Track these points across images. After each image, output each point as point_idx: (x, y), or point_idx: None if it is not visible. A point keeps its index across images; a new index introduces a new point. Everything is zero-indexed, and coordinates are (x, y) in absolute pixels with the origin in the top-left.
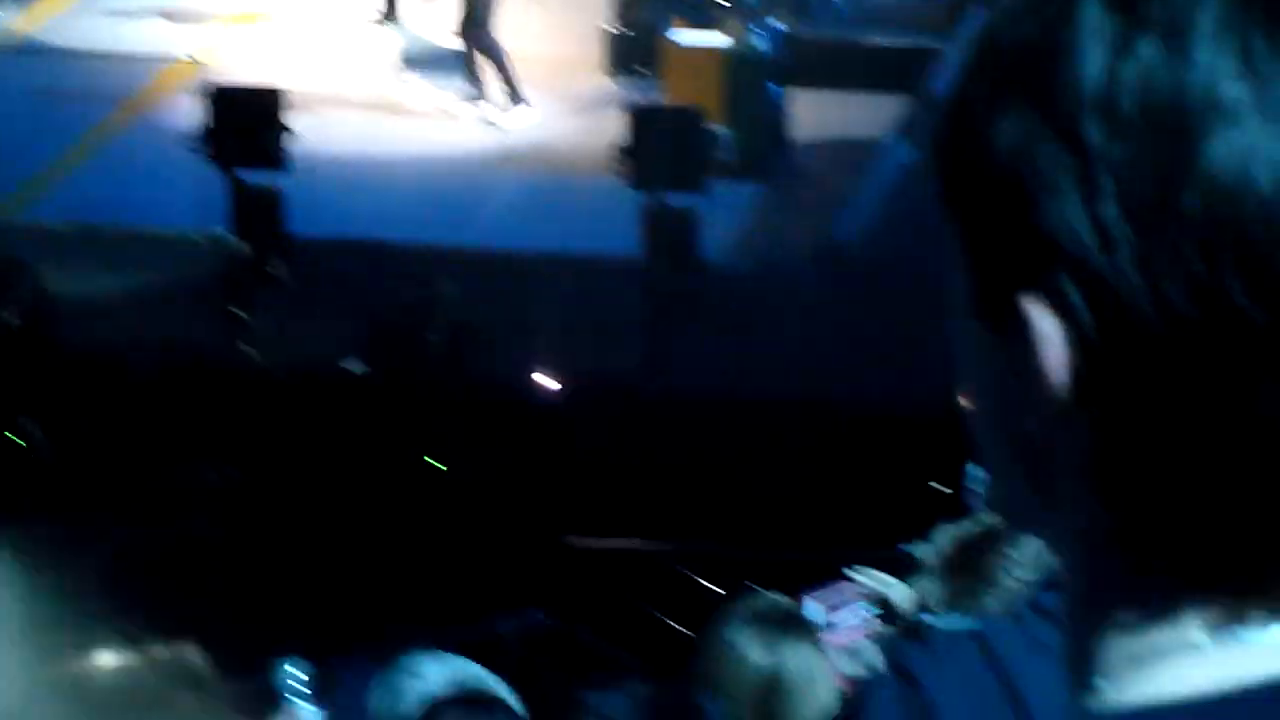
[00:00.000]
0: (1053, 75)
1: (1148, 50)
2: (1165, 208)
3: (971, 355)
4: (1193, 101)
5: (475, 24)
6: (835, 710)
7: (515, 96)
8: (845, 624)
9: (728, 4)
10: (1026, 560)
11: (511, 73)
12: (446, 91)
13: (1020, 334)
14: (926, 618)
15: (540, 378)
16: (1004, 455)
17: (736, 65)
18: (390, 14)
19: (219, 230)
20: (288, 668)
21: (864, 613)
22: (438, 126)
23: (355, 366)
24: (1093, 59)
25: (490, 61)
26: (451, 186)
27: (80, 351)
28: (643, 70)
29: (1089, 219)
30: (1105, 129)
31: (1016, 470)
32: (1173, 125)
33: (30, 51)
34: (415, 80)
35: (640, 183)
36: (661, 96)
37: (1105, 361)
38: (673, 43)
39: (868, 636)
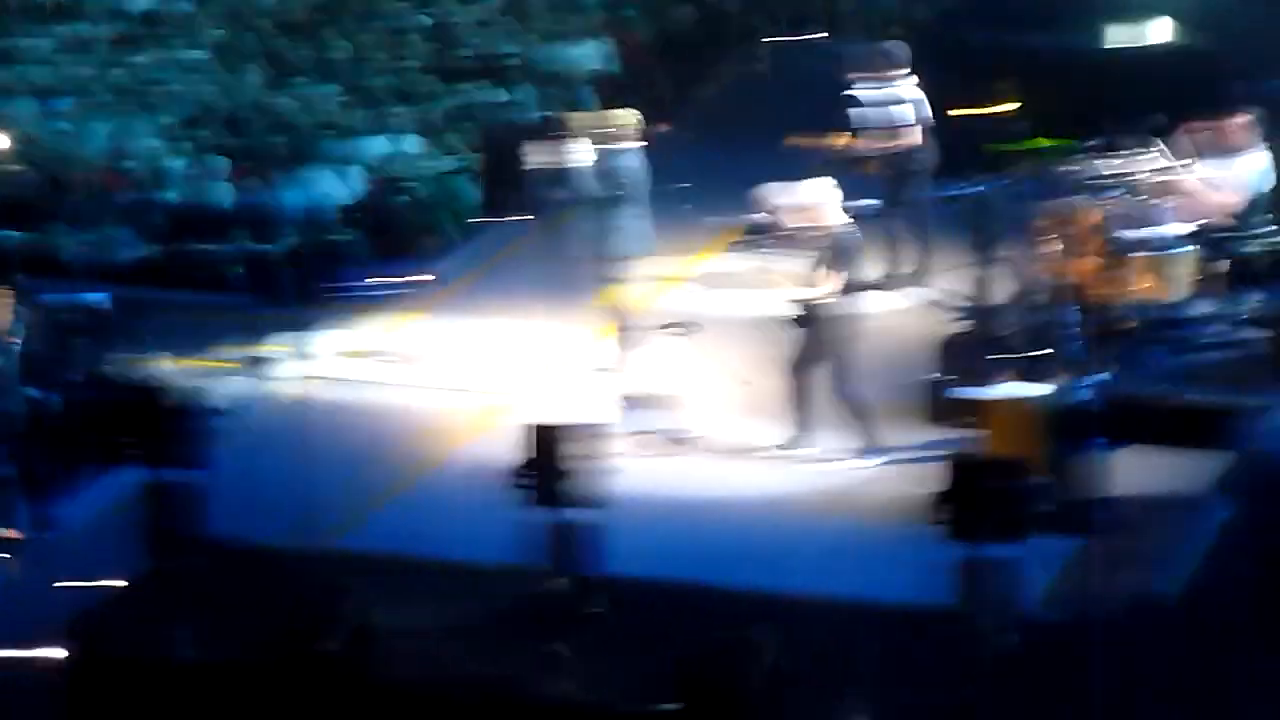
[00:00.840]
0: None
1: None
2: None
3: None
4: None
5: (841, 380)
6: None
7: (868, 448)
8: None
9: (1050, 357)
10: None
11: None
12: (768, 434)
13: None
14: None
15: None
16: None
17: (1058, 418)
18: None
19: (535, 564)
20: None
21: None
22: (755, 468)
23: None
24: None
25: (856, 417)
26: (770, 531)
27: (398, 682)
28: (965, 420)
29: None
30: None
31: None
32: None
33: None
34: (730, 421)
35: (958, 533)
36: (982, 447)
37: None
38: (996, 394)
39: None
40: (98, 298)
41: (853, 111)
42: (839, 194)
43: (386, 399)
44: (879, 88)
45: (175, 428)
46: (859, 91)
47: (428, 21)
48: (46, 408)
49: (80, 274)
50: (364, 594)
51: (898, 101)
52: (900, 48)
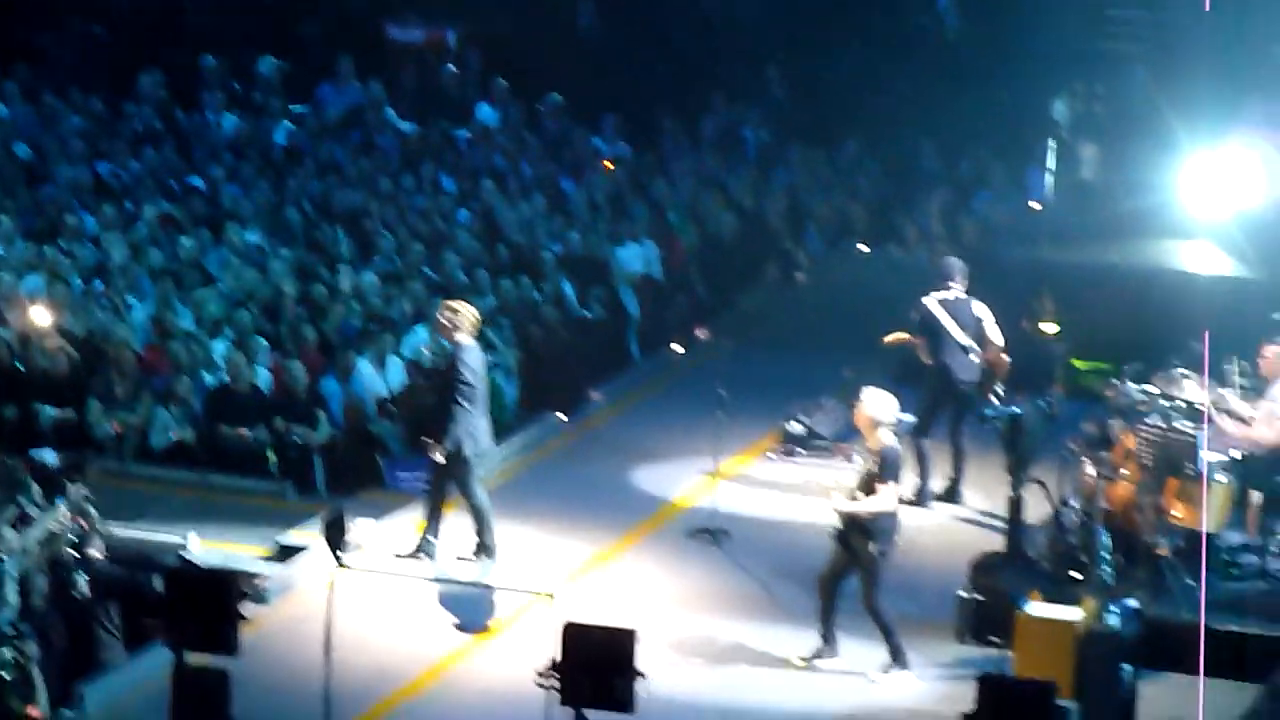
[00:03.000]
0: None
1: None
2: None
3: None
4: None
5: (871, 593)
6: None
7: (897, 661)
8: None
9: (1083, 579)
10: None
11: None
12: (796, 644)
13: None
14: None
15: None
16: None
17: (1089, 641)
18: None
19: None
20: None
21: None
22: (787, 678)
23: None
24: None
25: (885, 632)
26: None
27: None
28: (997, 639)
29: None
30: None
31: None
32: None
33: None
34: (757, 630)
35: None
36: (1012, 667)
37: None
38: (1027, 614)
39: None
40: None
41: (918, 319)
42: (893, 407)
43: (419, 590)
44: (942, 301)
45: (205, 611)
46: (927, 301)
47: (470, 216)
48: (73, 584)
49: (115, 452)
50: None
51: (959, 315)
52: (959, 264)
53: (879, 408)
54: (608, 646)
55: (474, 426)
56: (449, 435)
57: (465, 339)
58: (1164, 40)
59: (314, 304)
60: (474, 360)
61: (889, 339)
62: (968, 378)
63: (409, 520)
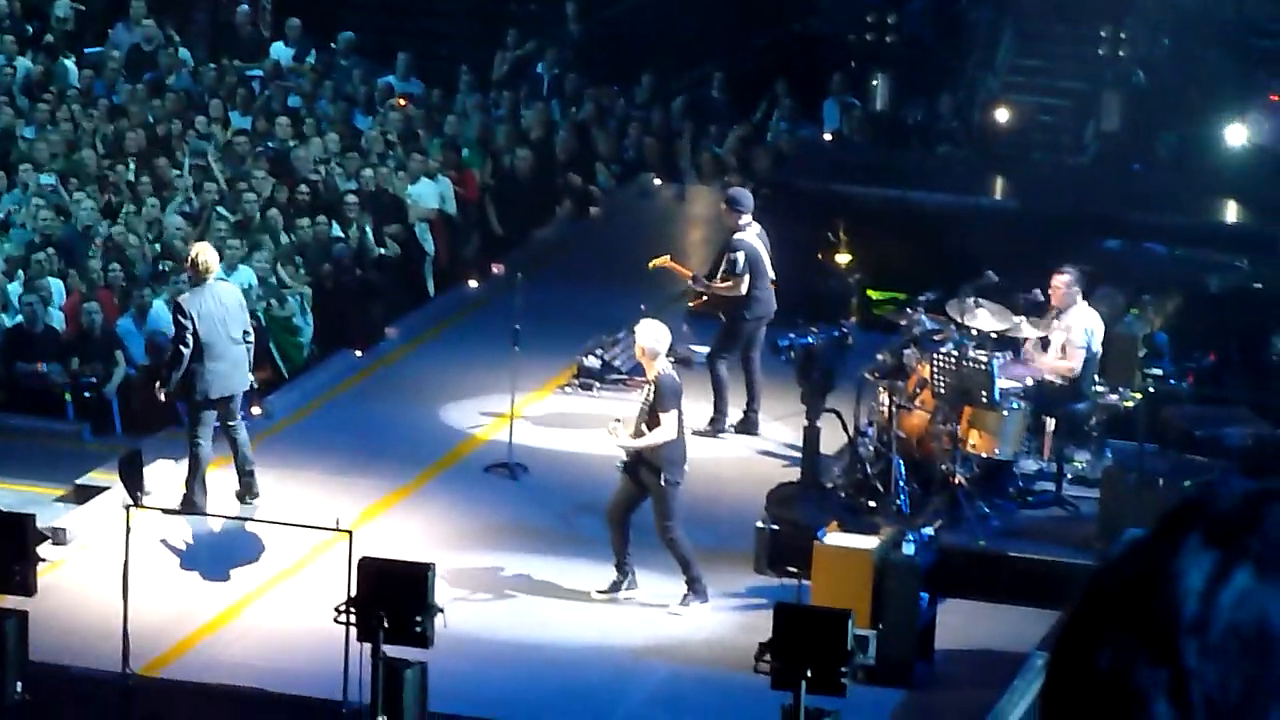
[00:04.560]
0: (1154, 602)
1: (1243, 578)
2: None
3: None
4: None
5: (666, 524)
6: None
7: (695, 592)
8: None
9: (879, 508)
10: None
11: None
12: (593, 577)
13: None
14: None
15: None
16: None
17: (885, 570)
18: None
19: (360, 703)
20: None
21: None
22: (585, 611)
23: None
24: (1192, 586)
25: (681, 562)
26: (594, 676)
27: None
28: (793, 569)
29: None
30: (1199, 650)
31: None
32: (1259, 646)
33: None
34: (556, 563)
35: (781, 682)
36: (811, 597)
37: None
38: (824, 544)
39: None
40: None
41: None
42: (667, 338)
43: (214, 528)
44: (731, 231)
45: (2, 553)
46: (746, 236)
47: (267, 156)
48: None
49: None
50: None
51: (743, 246)
52: (747, 194)
53: (651, 338)
54: (404, 581)
55: (198, 371)
56: (169, 382)
57: (198, 285)
58: None
59: (111, 245)
60: (197, 305)
61: (656, 262)
62: (771, 310)
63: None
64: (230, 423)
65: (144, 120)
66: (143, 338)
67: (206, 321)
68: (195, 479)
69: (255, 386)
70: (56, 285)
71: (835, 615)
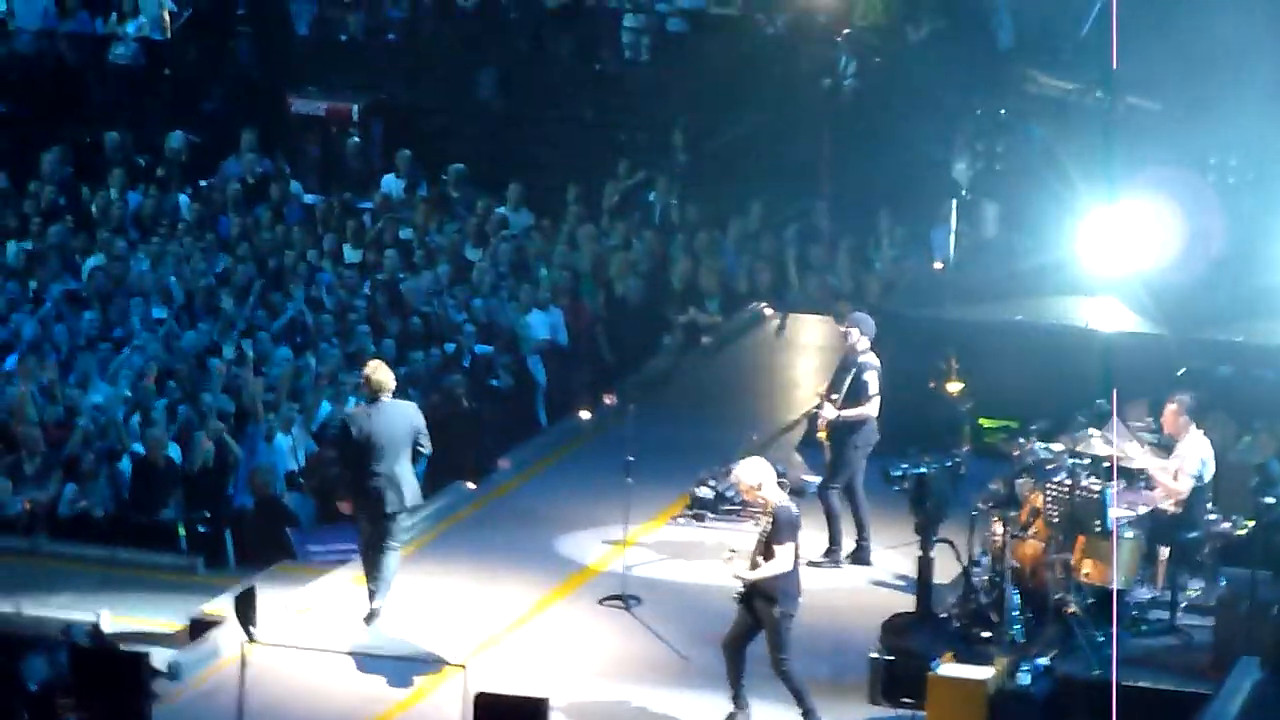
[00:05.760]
0: None
1: None
2: None
3: None
4: None
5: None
6: None
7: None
8: None
9: (994, 638)
10: None
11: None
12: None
13: None
14: None
15: None
16: None
17: (1001, 700)
18: None
19: None
20: None
21: None
22: None
23: None
24: None
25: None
26: None
27: None
28: (909, 700)
29: None
30: None
31: None
32: None
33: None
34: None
35: None
36: None
37: None
38: (938, 675)
39: None
40: None
41: (865, 375)
42: (769, 470)
43: (330, 662)
44: (850, 357)
45: (118, 688)
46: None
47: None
48: None
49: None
50: None
51: (874, 367)
52: (870, 318)
53: (752, 475)
54: (520, 715)
55: (372, 485)
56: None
57: (371, 399)
58: (1064, 101)
59: (224, 376)
60: (373, 420)
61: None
62: (877, 439)
63: (319, 591)
64: (383, 542)
65: (255, 253)
66: (252, 470)
67: (375, 438)
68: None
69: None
70: (167, 419)
71: None
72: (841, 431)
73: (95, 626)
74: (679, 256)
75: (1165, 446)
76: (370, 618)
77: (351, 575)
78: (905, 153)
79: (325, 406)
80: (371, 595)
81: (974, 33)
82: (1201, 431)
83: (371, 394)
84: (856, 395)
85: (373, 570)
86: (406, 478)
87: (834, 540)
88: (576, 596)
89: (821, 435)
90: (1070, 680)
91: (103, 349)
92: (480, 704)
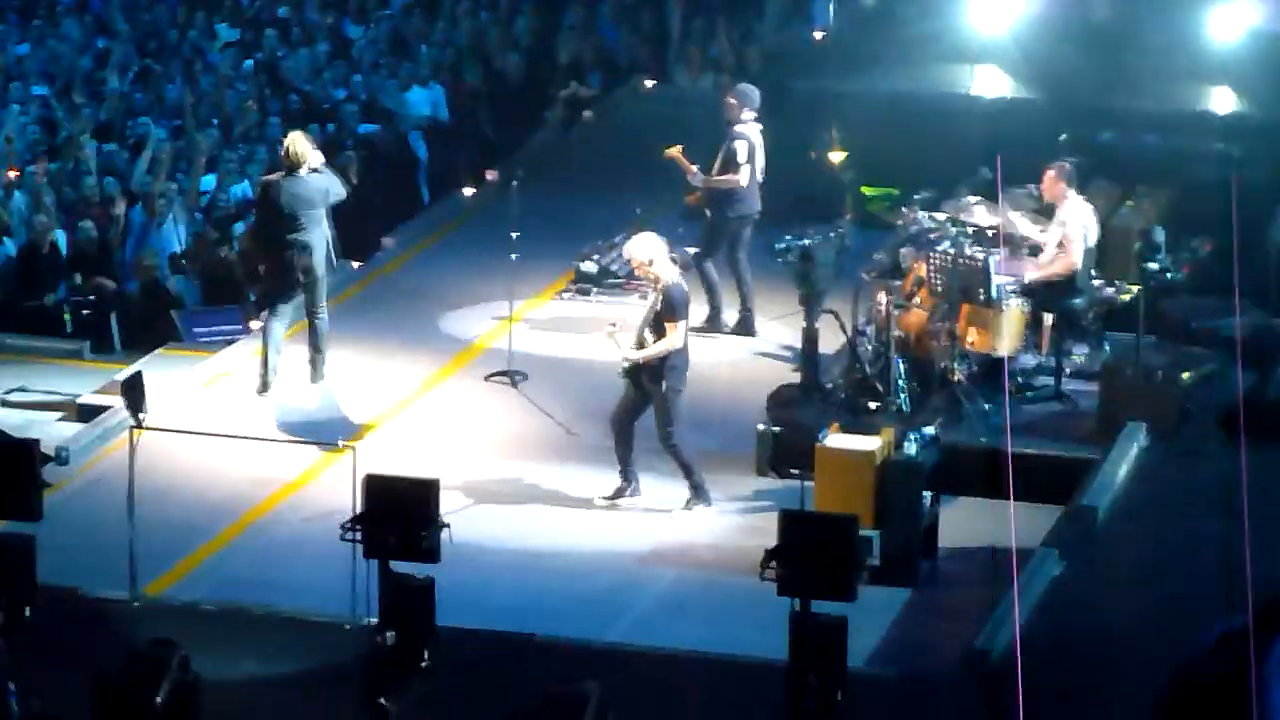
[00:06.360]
0: (1244, 704)
1: None
2: None
3: None
4: None
5: (666, 429)
6: None
7: (699, 497)
8: None
9: (880, 408)
10: None
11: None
12: (596, 484)
13: None
14: None
15: None
16: None
17: (888, 470)
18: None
19: (367, 618)
20: None
21: None
22: (589, 519)
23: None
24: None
25: (683, 468)
26: (600, 583)
27: None
28: (796, 470)
29: None
30: None
31: None
32: None
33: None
34: (558, 471)
35: (789, 589)
36: (814, 500)
37: None
38: (826, 446)
39: None
40: None
41: (739, 148)
42: (661, 246)
43: (218, 445)
44: (732, 125)
45: (6, 478)
46: (747, 129)
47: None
48: None
49: None
50: (193, 646)
51: (745, 136)
52: (755, 90)
53: (645, 249)
54: (410, 497)
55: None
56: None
57: (290, 169)
58: None
59: (105, 158)
60: (293, 189)
61: (669, 152)
62: (757, 209)
63: (206, 373)
64: (313, 309)
65: (134, 33)
66: (135, 253)
67: (294, 205)
68: (266, 361)
69: (254, 297)
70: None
71: (841, 519)
72: (715, 201)
73: None
74: (559, 30)
75: (1046, 213)
76: (315, 385)
77: (243, 354)
78: None
79: (208, 184)
80: (314, 365)
81: None
82: (1083, 197)
83: (290, 164)
84: (726, 165)
85: (312, 339)
86: (325, 244)
87: (714, 309)
88: (461, 375)
89: (690, 200)
90: (957, 449)
91: None
92: (370, 486)
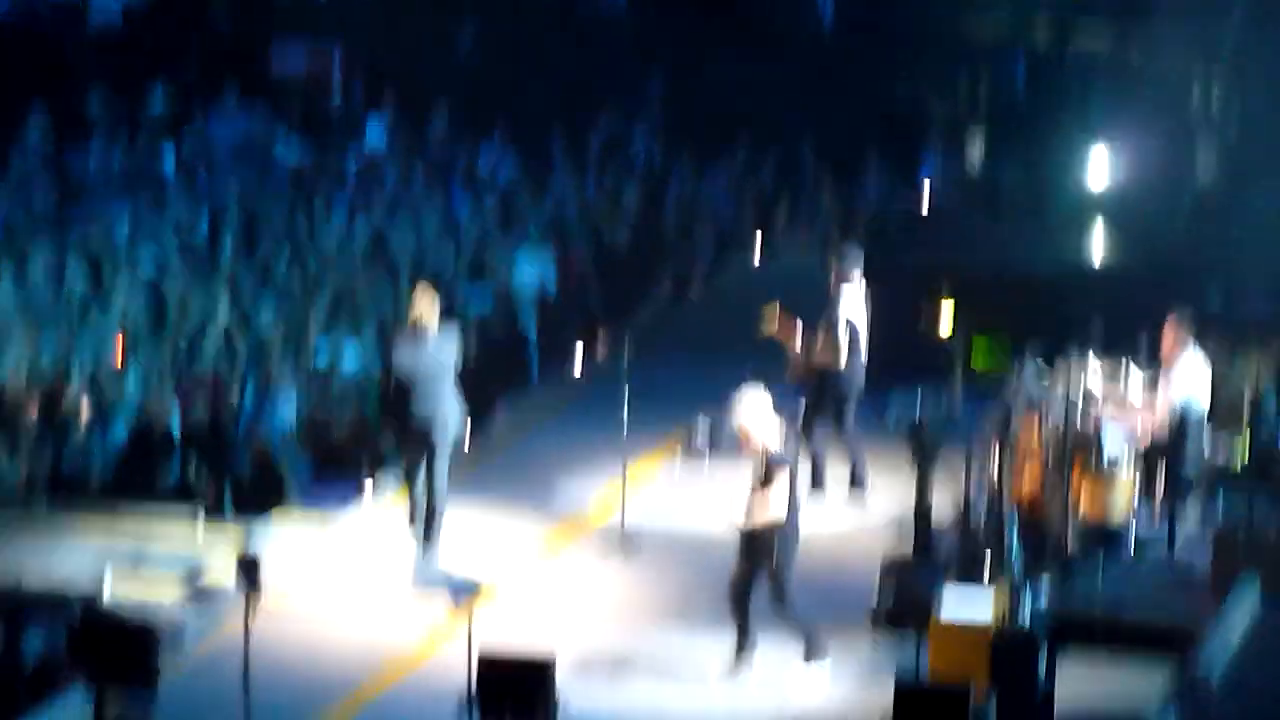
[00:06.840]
0: None
1: None
2: None
3: None
4: None
5: (781, 599)
6: None
7: (815, 652)
8: None
9: (993, 575)
10: None
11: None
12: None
13: None
14: None
15: None
16: None
17: (1002, 640)
18: None
19: None
20: None
21: None
22: (712, 690)
23: None
24: None
25: (799, 637)
26: None
27: None
28: (911, 634)
29: None
30: None
31: None
32: None
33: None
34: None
35: None
36: (927, 667)
37: None
38: (939, 617)
39: None
40: None
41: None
42: (768, 410)
43: (338, 616)
44: (837, 294)
45: (124, 646)
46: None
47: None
48: None
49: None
50: None
51: (852, 309)
52: (857, 254)
53: (751, 414)
54: (524, 675)
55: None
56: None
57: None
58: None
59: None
60: (412, 351)
61: (769, 329)
62: (861, 383)
63: (323, 540)
64: (431, 479)
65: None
66: (249, 424)
67: (413, 368)
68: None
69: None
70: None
71: (955, 691)
72: (823, 374)
73: (96, 597)
74: (666, 204)
75: (1153, 373)
76: (426, 559)
77: (352, 523)
78: (887, 87)
79: (323, 357)
80: (427, 536)
81: None
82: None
83: (411, 323)
84: (827, 341)
85: (426, 514)
86: (453, 409)
87: (817, 481)
88: (575, 547)
89: (791, 376)
90: (1071, 616)
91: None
92: (484, 666)
